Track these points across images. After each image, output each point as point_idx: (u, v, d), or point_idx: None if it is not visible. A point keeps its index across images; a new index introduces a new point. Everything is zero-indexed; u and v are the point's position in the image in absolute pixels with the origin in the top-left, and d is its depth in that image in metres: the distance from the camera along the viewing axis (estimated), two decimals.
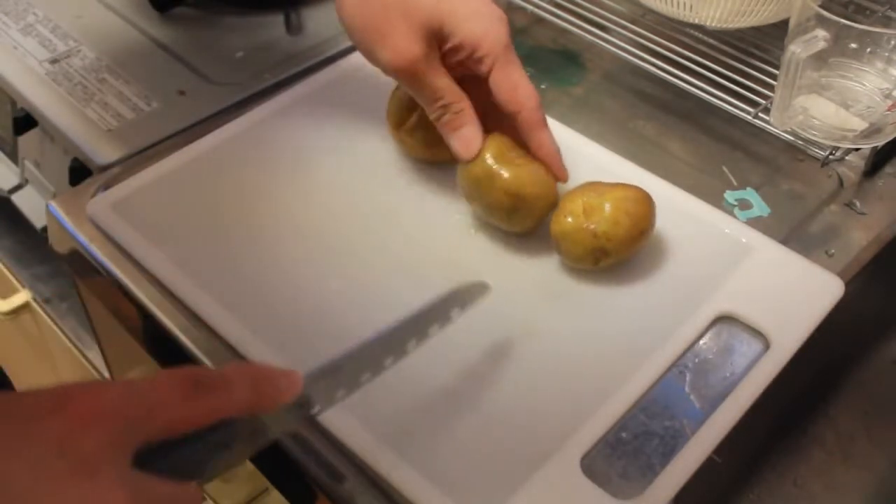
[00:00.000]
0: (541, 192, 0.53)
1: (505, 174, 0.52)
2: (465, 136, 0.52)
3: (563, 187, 0.54)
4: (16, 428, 0.29)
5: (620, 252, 0.51)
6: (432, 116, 0.53)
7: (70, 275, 0.65)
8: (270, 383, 0.36)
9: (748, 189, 0.62)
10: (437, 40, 0.51)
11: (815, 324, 0.50)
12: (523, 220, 0.53)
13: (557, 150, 0.53)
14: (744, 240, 0.54)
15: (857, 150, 0.61)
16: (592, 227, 0.50)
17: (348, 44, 0.60)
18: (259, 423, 0.36)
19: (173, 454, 0.33)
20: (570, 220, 0.51)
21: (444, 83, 0.51)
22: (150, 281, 0.53)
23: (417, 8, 0.50)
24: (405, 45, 0.50)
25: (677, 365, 0.49)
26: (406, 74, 0.51)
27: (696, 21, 0.68)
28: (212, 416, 0.34)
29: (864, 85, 0.61)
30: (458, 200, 0.57)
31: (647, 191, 0.52)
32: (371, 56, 0.53)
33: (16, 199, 0.79)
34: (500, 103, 0.52)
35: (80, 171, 0.65)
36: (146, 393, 0.32)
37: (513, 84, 0.51)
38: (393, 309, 0.51)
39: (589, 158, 0.60)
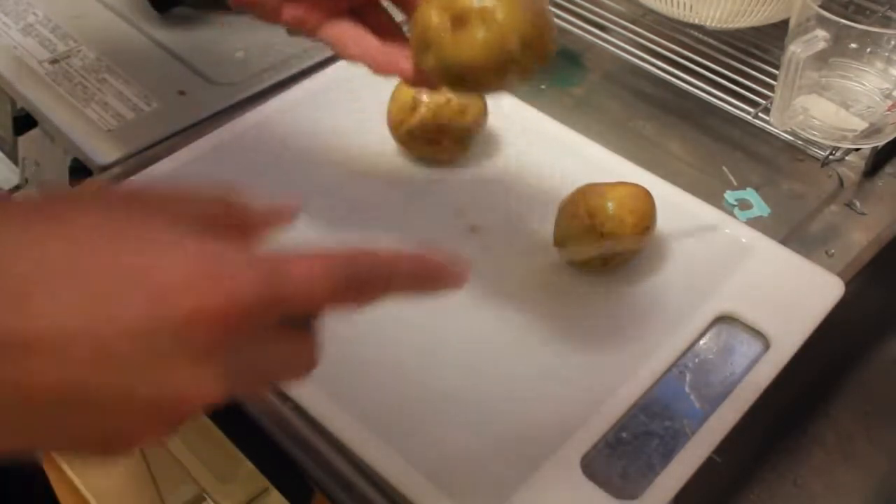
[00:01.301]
0: None
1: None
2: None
3: (562, 190, 0.54)
4: (138, 295, 0.27)
5: (628, 250, 0.51)
6: None
7: None
8: (434, 282, 0.33)
9: (748, 189, 0.62)
10: None
11: (815, 324, 0.50)
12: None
13: None
14: (744, 240, 0.54)
15: (857, 150, 0.61)
16: (599, 227, 0.50)
17: None
18: None
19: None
20: (574, 223, 0.51)
21: None
22: None
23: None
24: None
25: (677, 365, 0.49)
26: None
27: (696, 21, 0.68)
28: (356, 308, 0.31)
29: (864, 85, 0.61)
30: (458, 200, 0.57)
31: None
32: None
33: (16, 199, 0.79)
34: None
35: (80, 171, 0.65)
36: (292, 285, 0.29)
37: None
38: (391, 310, 0.51)
39: (589, 158, 0.60)
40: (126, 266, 0.27)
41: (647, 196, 0.52)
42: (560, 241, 0.52)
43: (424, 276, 0.33)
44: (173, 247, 0.28)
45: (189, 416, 0.29)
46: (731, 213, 0.59)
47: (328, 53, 0.71)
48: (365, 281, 0.31)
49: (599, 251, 0.51)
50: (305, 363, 0.32)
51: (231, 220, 0.32)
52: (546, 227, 0.53)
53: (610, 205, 0.50)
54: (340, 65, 0.67)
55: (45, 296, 0.26)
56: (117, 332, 0.27)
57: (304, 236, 0.55)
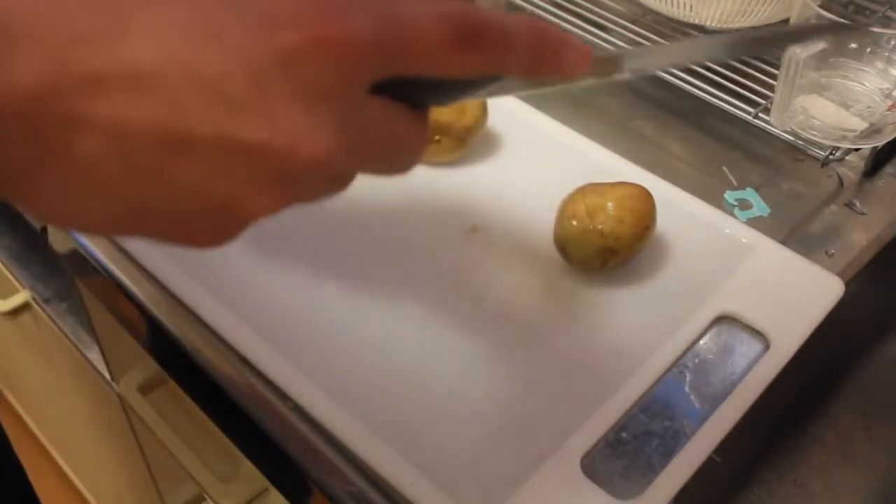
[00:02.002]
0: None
1: None
2: None
3: (562, 190, 0.54)
4: (244, 24, 0.24)
5: (628, 250, 0.51)
6: None
7: (70, 275, 0.65)
8: (556, 54, 0.30)
9: (748, 189, 0.62)
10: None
11: (815, 324, 0.50)
12: None
13: None
14: (744, 240, 0.54)
15: (857, 150, 0.61)
16: (599, 227, 0.50)
17: None
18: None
19: (419, 83, 0.28)
20: (574, 223, 0.51)
21: None
22: (150, 281, 0.53)
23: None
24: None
25: (677, 365, 0.49)
26: None
27: (696, 21, 0.68)
28: (474, 72, 0.29)
29: (864, 85, 0.61)
30: (458, 200, 0.57)
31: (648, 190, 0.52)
32: None
33: None
34: None
35: None
36: (407, 30, 0.27)
37: None
38: (392, 310, 0.51)
39: (589, 158, 0.60)
40: None
41: (646, 196, 0.52)
42: (560, 240, 0.52)
43: (546, 51, 0.30)
44: None
45: (303, 172, 0.26)
46: (731, 213, 0.59)
47: None
48: (484, 41, 0.28)
49: (599, 251, 0.51)
50: (415, 147, 0.30)
51: None
52: (546, 227, 0.53)
53: (610, 205, 0.50)
54: None
55: (147, 24, 0.24)
56: (225, 62, 0.24)
57: (302, 235, 0.55)
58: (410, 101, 0.29)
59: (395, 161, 0.30)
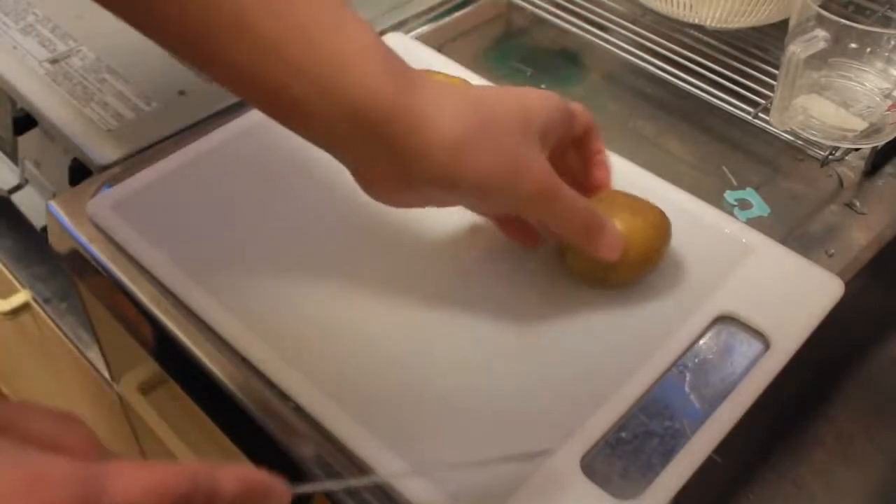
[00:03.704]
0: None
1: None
2: (609, 238, 0.48)
3: None
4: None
5: (626, 276, 0.50)
6: (573, 230, 0.47)
7: (70, 275, 0.65)
8: (263, 500, 0.35)
9: (748, 189, 0.62)
10: (545, 141, 0.45)
11: (815, 324, 0.50)
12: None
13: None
14: (744, 240, 0.54)
15: (857, 150, 0.61)
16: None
17: None
18: None
19: None
20: None
21: (571, 190, 0.46)
22: (150, 281, 0.53)
23: (519, 121, 0.44)
24: (538, 167, 0.44)
25: (677, 365, 0.49)
26: (548, 195, 0.45)
27: (696, 21, 0.68)
28: None
29: (864, 85, 0.61)
30: None
31: (650, 195, 0.52)
32: (506, 195, 0.45)
33: (16, 199, 0.79)
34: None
35: (80, 171, 0.65)
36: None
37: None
38: (392, 310, 0.51)
39: None
40: None
41: (660, 225, 0.50)
42: (561, 248, 0.52)
43: (251, 497, 0.34)
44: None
45: None
46: (731, 213, 0.59)
47: None
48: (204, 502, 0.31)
49: (595, 270, 0.50)
50: None
51: (62, 441, 0.32)
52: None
53: (617, 223, 0.49)
54: None
55: None
56: None
57: (302, 235, 0.55)
58: None
59: None
